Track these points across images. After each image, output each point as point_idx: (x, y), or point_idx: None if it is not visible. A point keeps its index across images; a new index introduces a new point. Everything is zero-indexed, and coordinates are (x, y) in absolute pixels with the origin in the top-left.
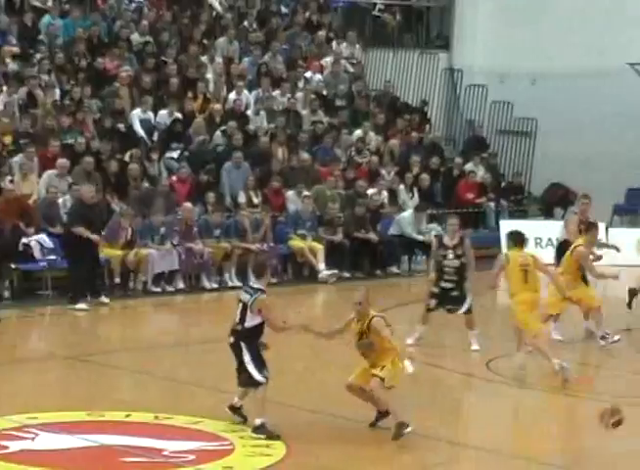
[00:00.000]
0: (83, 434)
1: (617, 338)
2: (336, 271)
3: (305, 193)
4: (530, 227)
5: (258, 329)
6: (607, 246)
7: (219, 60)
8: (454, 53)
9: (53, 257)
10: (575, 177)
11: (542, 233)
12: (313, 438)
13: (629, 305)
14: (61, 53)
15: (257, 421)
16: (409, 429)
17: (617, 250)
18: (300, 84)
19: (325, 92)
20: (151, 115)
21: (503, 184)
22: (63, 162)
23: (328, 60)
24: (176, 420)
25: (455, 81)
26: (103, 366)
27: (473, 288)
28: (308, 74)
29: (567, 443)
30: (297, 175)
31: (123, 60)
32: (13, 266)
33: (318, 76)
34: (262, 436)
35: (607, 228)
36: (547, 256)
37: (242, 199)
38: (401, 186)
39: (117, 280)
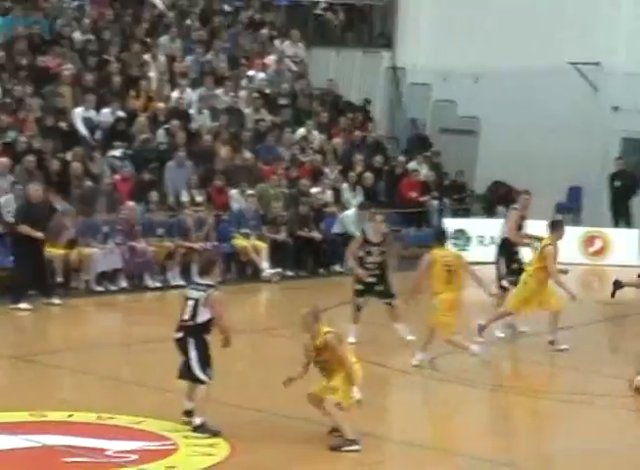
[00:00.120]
0: (26, 434)
1: (563, 347)
2: (279, 270)
3: (249, 192)
4: (473, 225)
5: (207, 326)
6: (535, 238)
7: (162, 58)
8: (397, 52)
9: None
10: (518, 176)
11: (485, 231)
12: (257, 437)
13: (613, 294)
14: (2, 51)
15: (198, 420)
16: (354, 447)
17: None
18: (243, 83)
19: (268, 91)
20: (93, 113)
21: (446, 182)
22: (4, 161)
23: (271, 58)
24: (119, 420)
25: (398, 80)
26: (45, 366)
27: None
28: (251, 73)
29: (509, 439)
30: (240, 174)
31: (65, 58)
32: None
33: (261, 75)
34: (204, 435)
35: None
36: (489, 254)
37: (185, 198)
38: (344, 185)
39: (60, 279)
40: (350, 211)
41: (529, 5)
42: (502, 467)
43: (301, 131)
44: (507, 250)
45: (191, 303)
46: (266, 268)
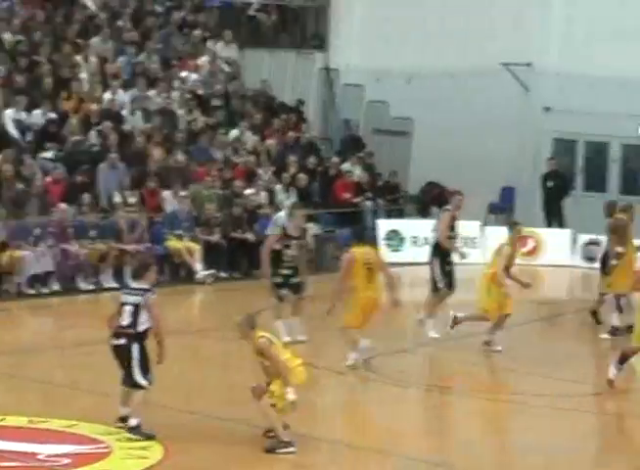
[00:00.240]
0: None
1: (498, 348)
2: (213, 271)
3: (182, 193)
4: (407, 226)
5: (148, 332)
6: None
7: (94, 59)
8: (330, 53)
9: None
10: (451, 176)
11: (418, 232)
12: (191, 439)
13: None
14: None
15: (133, 422)
16: (290, 450)
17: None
18: (176, 84)
19: (201, 92)
20: (24, 115)
21: (379, 183)
22: None
23: (204, 59)
24: (51, 423)
25: (331, 81)
26: None
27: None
28: (184, 74)
29: (443, 440)
30: (173, 175)
31: None
32: None
33: (194, 76)
34: (138, 437)
35: (482, 226)
36: (423, 255)
37: (117, 199)
38: (278, 186)
39: None
40: (284, 213)
41: (461, 6)
42: (437, 467)
43: (235, 132)
44: (441, 251)
45: (129, 308)
46: (200, 270)
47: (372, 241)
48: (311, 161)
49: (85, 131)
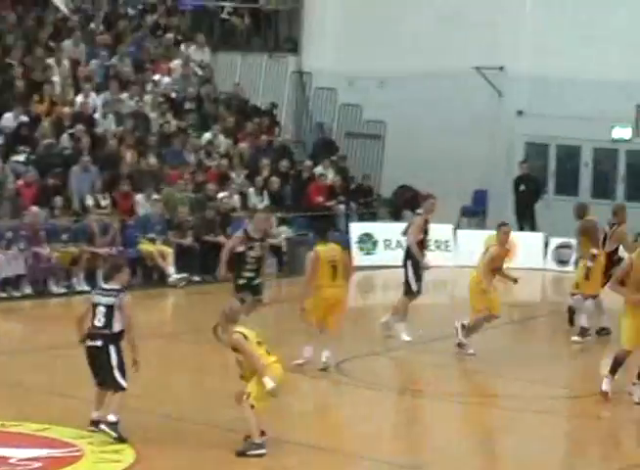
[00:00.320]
0: None
1: (471, 351)
2: (185, 275)
3: (155, 196)
4: (380, 229)
5: (123, 333)
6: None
7: (66, 62)
8: (303, 56)
9: None
10: (424, 179)
11: (391, 235)
12: (163, 442)
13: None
14: None
15: (113, 418)
16: (260, 451)
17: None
18: (149, 87)
19: (174, 95)
20: None
21: (352, 187)
22: None
23: (176, 63)
24: (24, 427)
25: (304, 84)
26: None
27: None
28: (157, 77)
29: (415, 442)
30: (146, 179)
31: None
32: None
33: (167, 79)
34: (114, 434)
35: (454, 230)
36: (396, 258)
37: (90, 202)
38: (251, 189)
39: None
40: None
41: (434, 9)
42: None
43: (207, 136)
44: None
45: (102, 309)
46: (172, 273)
47: (337, 239)
48: (284, 164)
49: (57, 134)
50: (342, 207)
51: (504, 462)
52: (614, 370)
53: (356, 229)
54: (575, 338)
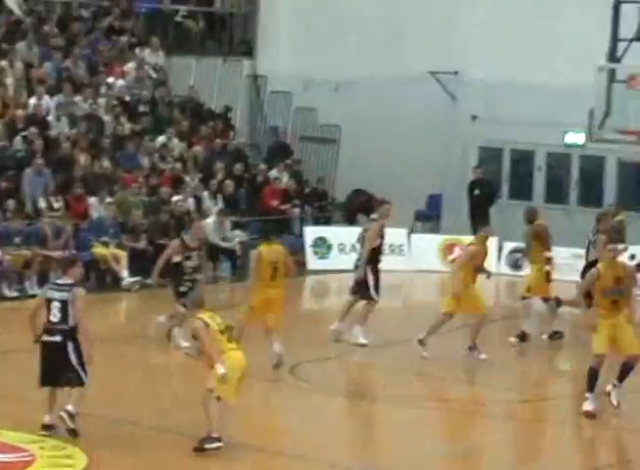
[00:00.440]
0: None
1: (483, 356)
2: (139, 278)
3: (108, 200)
4: (334, 233)
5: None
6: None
7: (19, 64)
8: (258, 60)
9: None
10: (378, 184)
11: (345, 239)
12: (115, 447)
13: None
14: None
15: (74, 409)
16: (216, 445)
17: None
18: (103, 90)
19: (128, 98)
20: None
21: (307, 191)
22: None
23: (130, 66)
24: None
25: (259, 88)
26: None
27: None
28: (111, 80)
29: (369, 446)
30: (99, 182)
31: None
32: None
33: (121, 82)
34: (71, 425)
35: (409, 234)
36: (350, 262)
37: (43, 205)
38: (205, 193)
39: None
40: (210, 220)
41: (389, 14)
42: None
43: (162, 139)
44: (373, 259)
45: (57, 304)
46: (126, 277)
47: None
48: (238, 167)
49: (10, 137)
50: (296, 210)
51: (457, 466)
52: (591, 386)
53: (311, 233)
54: (512, 339)
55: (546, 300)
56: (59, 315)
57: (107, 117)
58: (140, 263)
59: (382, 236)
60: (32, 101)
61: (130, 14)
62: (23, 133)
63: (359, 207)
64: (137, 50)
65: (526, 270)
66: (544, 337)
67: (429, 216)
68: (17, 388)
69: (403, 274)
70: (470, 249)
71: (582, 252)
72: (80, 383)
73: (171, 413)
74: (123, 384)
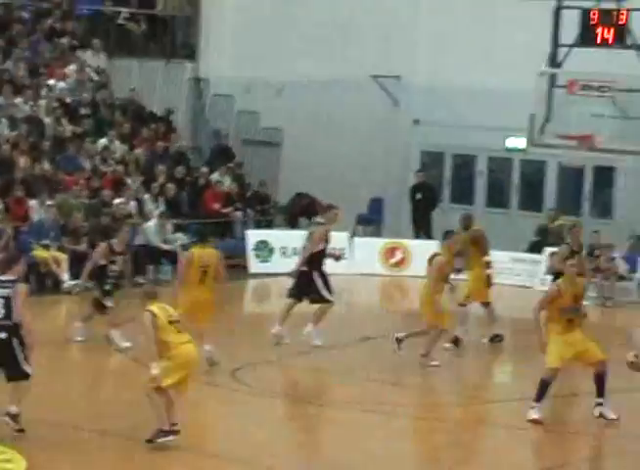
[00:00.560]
0: None
1: (434, 363)
2: (80, 281)
3: (49, 202)
4: (276, 237)
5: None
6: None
7: None
8: (200, 63)
9: None
10: (320, 187)
11: (287, 243)
12: (55, 451)
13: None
14: None
15: (16, 409)
16: (169, 438)
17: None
18: (43, 92)
19: (69, 100)
20: None
21: (249, 194)
22: None
23: (72, 68)
24: None
25: (201, 91)
26: None
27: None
28: (52, 82)
29: (309, 451)
30: (39, 184)
31: None
32: None
33: (62, 84)
34: (17, 426)
35: (350, 238)
36: (292, 265)
37: None
38: (147, 195)
39: None
40: (152, 222)
41: (332, 18)
42: None
43: (103, 141)
44: (317, 262)
45: (0, 301)
46: (67, 280)
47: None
48: (180, 170)
49: None
50: (238, 214)
51: (396, 468)
52: (539, 397)
53: (252, 236)
54: (446, 345)
55: (485, 304)
56: (2, 312)
57: (47, 120)
58: (81, 266)
59: (326, 240)
60: None
61: (71, 16)
62: None
63: (301, 210)
64: (78, 52)
65: (464, 276)
66: (485, 340)
67: (370, 220)
68: None
69: (345, 278)
70: (439, 259)
71: (522, 255)
72: (24, 377)
73: (112, 417)
74: (64, 387)
